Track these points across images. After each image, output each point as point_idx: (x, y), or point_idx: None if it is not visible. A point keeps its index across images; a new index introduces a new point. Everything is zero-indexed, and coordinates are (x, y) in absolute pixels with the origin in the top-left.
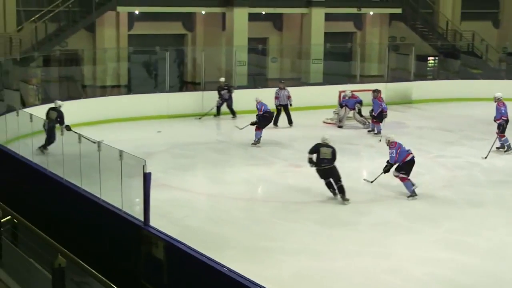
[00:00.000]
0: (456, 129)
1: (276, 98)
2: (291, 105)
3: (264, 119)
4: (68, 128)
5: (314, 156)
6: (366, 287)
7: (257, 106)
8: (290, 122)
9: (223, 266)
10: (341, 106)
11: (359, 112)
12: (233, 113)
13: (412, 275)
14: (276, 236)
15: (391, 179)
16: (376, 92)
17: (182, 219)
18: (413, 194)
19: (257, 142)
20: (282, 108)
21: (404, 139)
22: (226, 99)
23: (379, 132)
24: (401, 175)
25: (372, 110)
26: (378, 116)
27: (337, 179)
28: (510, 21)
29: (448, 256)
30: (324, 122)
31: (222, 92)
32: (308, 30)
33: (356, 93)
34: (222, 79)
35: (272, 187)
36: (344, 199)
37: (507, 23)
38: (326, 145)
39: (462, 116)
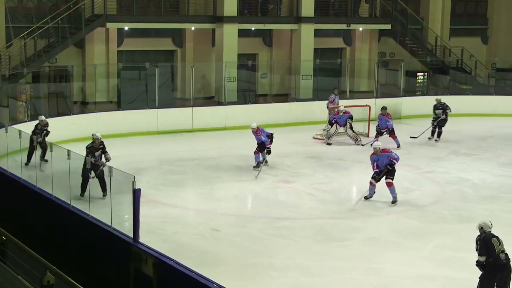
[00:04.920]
0: (445, 144)
1: None
2: None
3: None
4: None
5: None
6: None
7: (258, 136)
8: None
9: (213, 283)
10: (330, 123)
11: (351, 127)
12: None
13: None
14: (267, 252)
15: (381, 196)
16: (384, 109)
17: (172, 236)
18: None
19: (257, 165)
20: None
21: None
22: None
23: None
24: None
25: (379, 126)
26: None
27: None
28: (499, 37)
29: (439, 272)
30: (314, 138)
31: None
32: (297, 46)
33: (347, 109)
34: None
35: (262, 203)
36: None
37: (495, 39)
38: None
39: (451, 132)
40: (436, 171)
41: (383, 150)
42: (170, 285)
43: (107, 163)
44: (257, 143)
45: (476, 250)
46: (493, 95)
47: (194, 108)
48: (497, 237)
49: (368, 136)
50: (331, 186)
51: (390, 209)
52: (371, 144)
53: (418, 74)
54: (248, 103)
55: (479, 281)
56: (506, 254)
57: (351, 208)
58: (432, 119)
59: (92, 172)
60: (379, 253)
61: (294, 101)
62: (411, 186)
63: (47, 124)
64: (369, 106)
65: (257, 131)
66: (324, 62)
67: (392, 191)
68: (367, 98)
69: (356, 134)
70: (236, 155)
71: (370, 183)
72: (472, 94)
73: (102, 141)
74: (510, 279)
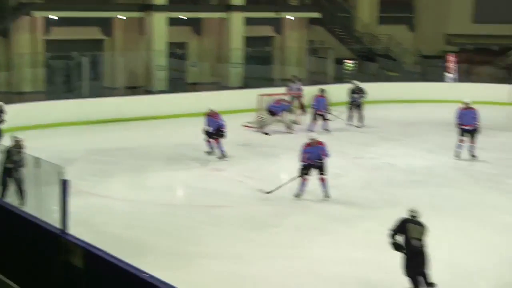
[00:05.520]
0: (373, 130)
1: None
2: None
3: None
4: None
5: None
6: None
7: (216, 119)
8: None
9: (144, 273)
10: (269, 112)
11: (287, 116)
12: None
13: (330, 275)
14: (198, 240)
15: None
16: (322, 91)
17: (102, 226)
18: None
19: (211, 152)
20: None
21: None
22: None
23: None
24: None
25: (316, 107)
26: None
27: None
28: (425, 25)
29: (365, 255)
30: (244, 126)
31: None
32: (227, 35)
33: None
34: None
35: (193, 191)
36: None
37: (421, 27)
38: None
39: (379, 118)
40: (365, 157)
41: (318, 142)
42: (100, 276)
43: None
44: (212, 129)
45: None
46: (419, 81)
47: (123, 97)
48: (420, 224)
49: (299, 124)
50: (261, 173)
51: (319, 195)
52: (310, 129)
53: (346, 61)
54: (178, 92)
55: (403, 261)
56: (422, 242)
57: (280, 195)
58: (348, 103)
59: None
60: (308, 239)
61: (224, 90)
62: (340, 172)
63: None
64: (299, 94)
65: (215, 115)
66: (254, 50)
67: (325, 186)
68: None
69: (291, 122)
70: (167, 144)
71: (303, 179)
72: (399, 81)
73: (22, 144)
74: (425, 264)
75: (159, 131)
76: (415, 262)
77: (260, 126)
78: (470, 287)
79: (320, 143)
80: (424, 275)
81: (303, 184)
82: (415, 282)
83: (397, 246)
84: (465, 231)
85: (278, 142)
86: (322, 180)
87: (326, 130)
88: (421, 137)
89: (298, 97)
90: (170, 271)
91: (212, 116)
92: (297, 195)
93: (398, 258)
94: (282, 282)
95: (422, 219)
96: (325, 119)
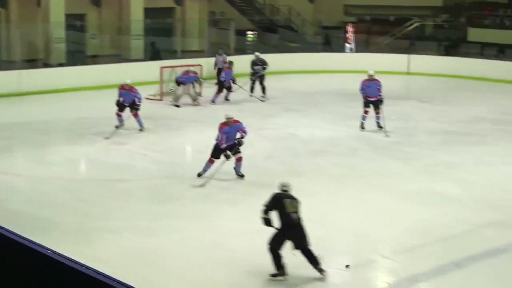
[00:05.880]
0: (276, 101)
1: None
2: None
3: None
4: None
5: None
6: (192, 261)
7: (134, 92)
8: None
9: (47, 249)
10: (178, 83)
11: (194, 87)
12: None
13: (238, 247)
14: (102, 215)
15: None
16: (231, 63)
17: (2, 203)
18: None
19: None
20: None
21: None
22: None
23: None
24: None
25: (224, 79)
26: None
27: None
28: None
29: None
30: (147, 98)
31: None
32: (127, 6)
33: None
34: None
35: (95, 165)
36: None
37: None
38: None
39: (280, 89)
40: (267, 128)
41: (234, 121)
42: (2, 253)
43: None
44: (126, 103)
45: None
46: (320, 52)
47: (21, 70)
48: (293, 198)
49: (201, 95)
50: (164, 146)
51: (225, 168)
52: (213, 101)
53: (247, 33)
54: (78, 65)
55: (272, 234)
56: (298, 215)
57: (186, 166)
58: (250, 75)
59: None
60: (216, 211)
61: (125, 62)
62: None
63: None
64: (201, 65)
65: (131, 88)
66: (155, 22)
67: (239, 166)
68: (198, 57)
69: (197, 94)
70: (68, 118)
71: (210, 160)
72: (300, 52)
73: None
74: (305, 238)
75: (59, 105)
76: (293, 236)
77: (175, 99)
78: (371, 254)
79: (236, 121)
80: (306, 249)
81: (208, 165)
82: (277, 256)
83: (267, 222)
84: (366, 199)
85: (181, 114)
86: (239, 159)
87: (227, 100)
88: (323, 108)
89: (223, 69)
90: (76, 246)
91: (127, 90)
92: (200, 174)
93: (306, 227)
94: (190, 255)
95: (322, 186)
96: (230, 90)
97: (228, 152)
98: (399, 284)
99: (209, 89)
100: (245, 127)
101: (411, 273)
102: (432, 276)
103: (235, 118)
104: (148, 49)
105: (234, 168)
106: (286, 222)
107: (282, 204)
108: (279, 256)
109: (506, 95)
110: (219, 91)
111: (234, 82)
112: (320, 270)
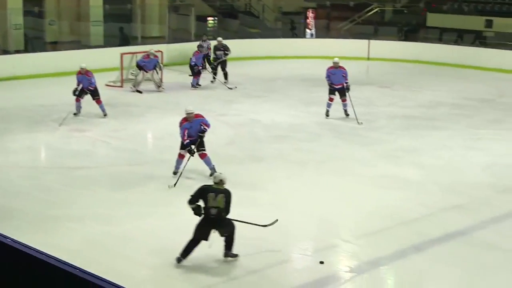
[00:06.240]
0: (237, 87)
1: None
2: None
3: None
4: None
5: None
6: (155, 247)
7: (90, 76)
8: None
9: (7, 238)
10: (139, 67)
11: (157, 72)
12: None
13: None
14: (63, 203)
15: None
16: (201, 47)
17: None
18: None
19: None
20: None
21: (189, 100)
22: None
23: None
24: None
25: (195, 64)
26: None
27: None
28: None
29: (233, 211)
30: (107, 85)
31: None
32: None
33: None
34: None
35: (56, 153)
36: (226, 254)
37: None
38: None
39: (242, 74)
40: (229, 114)
41: (196, 115)
42: None
43: None
44: (84, 88)
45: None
46: (280, 37)
47: None
48: (219, 193)
49: (161, 81)
50: (125, 133)
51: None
52: (193, 85)
53: (208, 18)
54: (37, 51)
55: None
56: (219, 210)
57: (147, 155)
58: (212, 61)
59: None
60: (175, 197)
61: (85, 48)
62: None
63: None
64: (161, 52)
65: (87, 72)
66: (114, 8)
67: (208, 162)
68: (159, 43)
69: (161, 80)
70: (27, 106)
71: (179, 155)
72: (261, 38)
73: None
74: (225, 229)
75: (18, 92)
76: (214, 228)
77: (136, 85)
78: (332, 238)
79: (198, 115)
80: (228, 238)
81: (179, 162)
82: (191, 245)
83: (196, 211)
84: (328, 184)
85: (142, 101)
86: (202, 156)
87: (198, 85)
88: (284, 93)
89: (208, 55)
90: (37, 235)
91: (83, 74)
92: (175, 173)
93: (264, 211)
94: (153, 242)
95: (284, 171)
96: (199, 75)
97: (193, 147)
98: (361, 268)
99: (169, 75)
100: (207, 121)
101: (373, 257)
102: (393, 259)
103: (196, 112)
104: (117, 36)
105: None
106: (206, 215)
107: (205, 197)
108: (192, 247)
109: (464, 80)
110: (194, 74)
111: (204, 67)
112: (226, 254)
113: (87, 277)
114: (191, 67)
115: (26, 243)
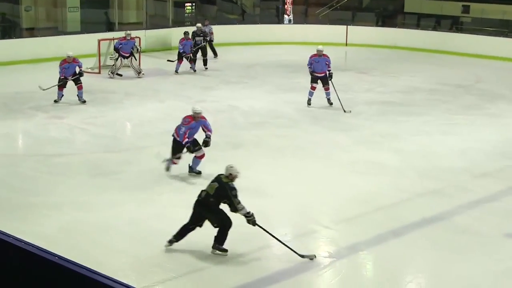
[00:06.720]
0: (215, 73)
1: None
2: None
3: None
4: None
5: None
6: (134, 234)
7: (76, 62)
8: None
9: None
10: (116, 50)
11: (134, 57)
12: None
13: (177, 219)
14: (40, 190)
15: (154, 127)
16: (186, 33)
17: None
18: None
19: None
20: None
21: (167, 87)
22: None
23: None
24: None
25: (183, 51)
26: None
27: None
28: None
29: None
30: (85, 72)
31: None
32: None
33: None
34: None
35: (34, 140)
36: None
37: None
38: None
39: (220, 61)
40: (208, 100)
41: (202, 117)
42: None
43: None
44: (68, 77)
45: None
46: (258, 23)
47: None
48: (214, 182)
49: (140, 67)
50: (104, 120)
51: (163, 141)
52: (176, 71)
53: (186, 4)
54: (13, 38)
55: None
56: (207, 194)
57: (125, 140)
58: (190, 47)
59: None
60: (153, 183)
61: (62, 35)
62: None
63: None
64: (139, 38)
65: (73, 60)
66: None
67: (198, 164)
68: (136, 29)
69: (139, 65)
70: (4, 93)
71: (173, 160)
72: (239, 24)
73: None
74: (212, 218)
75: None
76: (201, 212)
77: (111, 71)
78: (311, 224)
79: (203, 117)
80: (220, 230)
81: (171, 162)
82: (184, 230)
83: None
84: (306, 169)
85: (120, 88)
86: (201, 156)
87: (194, 70)
88: (263, 79)
89: (211, 40)
90: (13, 222)
91: (70, 62)
92: (168, 169)
93: (242, 198)
94: (132, 229)
95: (263, 158)
96: (191, 61)
97: (190, 145)
98: (339, 253)
99: (147, 61)
100: (209, 125)
101: (351, 242)
102: (371, 245)
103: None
104: (95, 22)
105: (189, 166)
106: (197, 197)
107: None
108: (185, 231)
109: (442, 65)
110: (182, 60)
111: (192, 59)
112: (214, 247)
113: (66, 264)
114: (179, 54)
115: (4, 231)
